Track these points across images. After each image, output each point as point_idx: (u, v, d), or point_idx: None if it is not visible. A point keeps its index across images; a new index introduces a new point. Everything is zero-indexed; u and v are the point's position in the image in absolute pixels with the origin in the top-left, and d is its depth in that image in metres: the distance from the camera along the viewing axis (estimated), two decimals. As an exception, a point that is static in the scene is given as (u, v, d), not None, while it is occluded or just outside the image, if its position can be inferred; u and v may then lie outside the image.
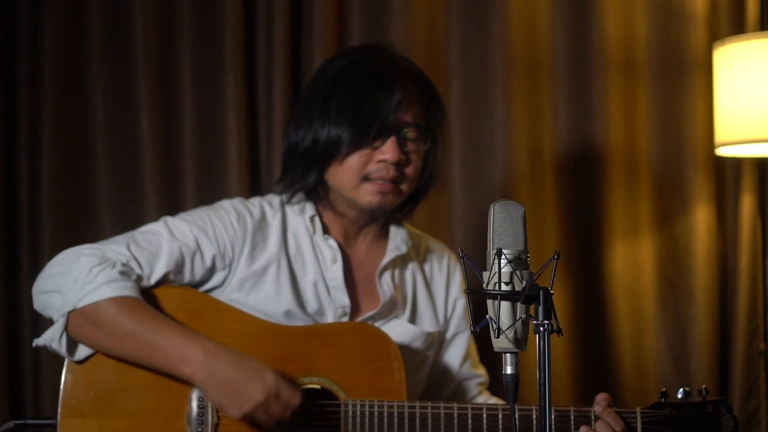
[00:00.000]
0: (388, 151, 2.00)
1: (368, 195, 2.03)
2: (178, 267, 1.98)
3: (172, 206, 2.62)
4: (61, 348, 1.88)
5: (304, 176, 2.06)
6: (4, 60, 2.65)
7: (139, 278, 1.93)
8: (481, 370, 2.24)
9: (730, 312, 2.76)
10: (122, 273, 1.89)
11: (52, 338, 1.88)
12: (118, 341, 1.87)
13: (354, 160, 2.01)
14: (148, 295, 1.94)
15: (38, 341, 1.91)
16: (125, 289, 1.87)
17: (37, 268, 2.05)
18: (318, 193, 2.09)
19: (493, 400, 2.17)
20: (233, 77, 2.68)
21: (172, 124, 2.70)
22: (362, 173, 2.01)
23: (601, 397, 1.87)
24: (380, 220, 2.14)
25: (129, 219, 2.60)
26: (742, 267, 2.71)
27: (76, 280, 1.87)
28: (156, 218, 2.23)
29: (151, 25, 2.68)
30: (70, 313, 1.87)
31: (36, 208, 2.65)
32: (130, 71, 2.67)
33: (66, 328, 1.87)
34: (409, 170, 2.05)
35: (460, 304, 2.21)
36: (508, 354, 1.27)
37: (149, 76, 2.67)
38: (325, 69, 2.11)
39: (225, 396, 1.84)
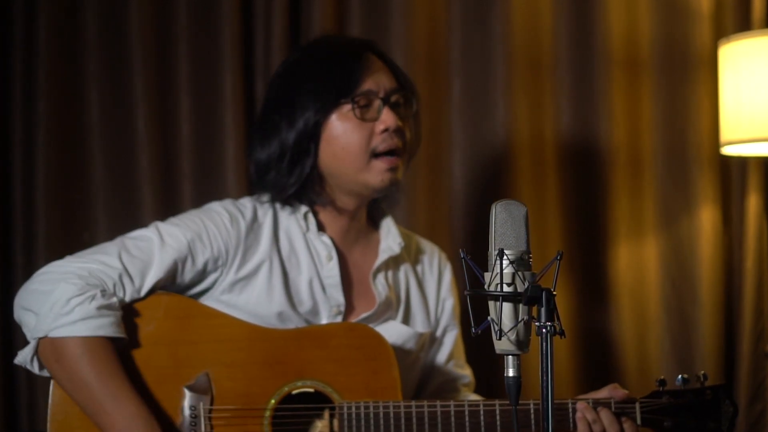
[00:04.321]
0: (387, 119, 1.97)
1: (380, 173, 1.98)
2: (170, 275, 1.94)
3: (169, 206, 2.60)
4: (34, 368, 1.87)
5: (294, 171, 2.01)
6: (-1, 58, 2.63)
7: (127, 297, 1.89)
8: (467, 371, 2.21)
9: (736, 314, 2.74)
10: (101, 308, 1.82)
11: (24, 360, 1.87)
12: (73, 386, 1.83)
13: (356, 138, 1.97)
14: (135, 306, 1.91)
15: (15, 361, 1.89)
16: (100, 328, 1.82)
17: (32, 269, 2.02)
18: (314, 189, 2.04)
19: (473, 398, 2.14)
20: (231, 76, 2.65)
21: (169, 123, 2.67)
22: (369, 149, 1.98)
23: (619, 395, 1.88)
24: (366, 208, 2.10)
25: (125, 219, 2.58)
26: (747, 268, 2.70)
27: (52, 308, 1.82)
28: (152, 218, 2.21)
29: (148, 23, 2.65)
30: (40, 338, 1.84)
31: (31, 208, 2.62)
32: (127, 70, 2.65)
33: (36, 351, 1.85)
34: (407, 137, 2.03)
35: (448, 304, 2.19)
36: (510, 356, 1.25)
37: (146, 75, 2.64)
38: (278, 71, 2.08)
39: None
